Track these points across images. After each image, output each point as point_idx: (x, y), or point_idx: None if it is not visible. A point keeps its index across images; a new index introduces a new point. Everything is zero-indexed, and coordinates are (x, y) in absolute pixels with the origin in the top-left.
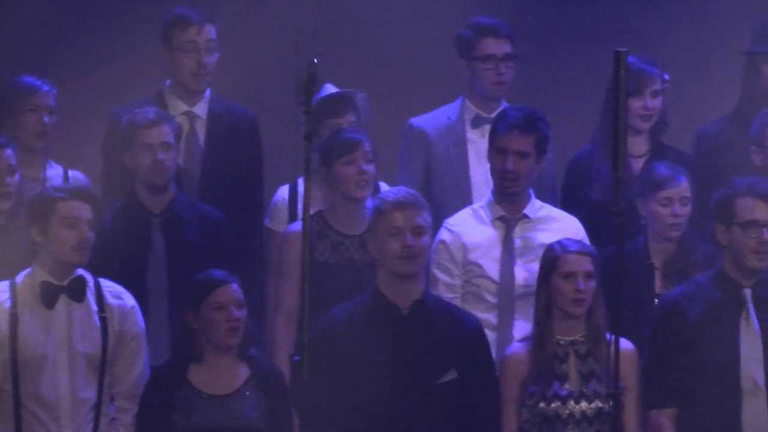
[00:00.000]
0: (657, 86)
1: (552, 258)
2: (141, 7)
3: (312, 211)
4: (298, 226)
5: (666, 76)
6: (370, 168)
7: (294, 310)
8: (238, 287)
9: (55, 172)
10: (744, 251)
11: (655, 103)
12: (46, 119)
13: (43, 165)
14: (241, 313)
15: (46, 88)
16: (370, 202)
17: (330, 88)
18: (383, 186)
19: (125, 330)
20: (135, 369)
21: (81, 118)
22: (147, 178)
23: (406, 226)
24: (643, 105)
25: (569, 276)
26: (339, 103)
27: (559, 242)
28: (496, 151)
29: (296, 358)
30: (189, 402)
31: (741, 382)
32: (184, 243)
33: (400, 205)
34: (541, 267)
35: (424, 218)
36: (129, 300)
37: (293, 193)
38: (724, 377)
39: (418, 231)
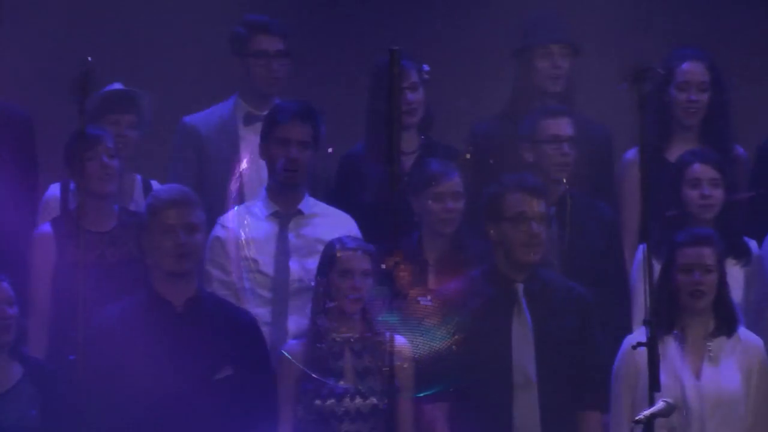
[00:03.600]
0: (414, 78)
1: (331, 255)
2: None
3: None
4: (45, 228)
5: (426, 68)
6: (113, 163)
7: (45, 312)
8: (9, 285)
9: None
10: (515, 245)
11: (417, 96)
12: None
13: None
14: (12, 311)
15: None
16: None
17: (117, 87)
18: (155, 185)
19: None
20: None
21: None
22: None
23: (179, 223)
24: (404, 99)
25: (347, 273)
26: (116, 101)
27: (339, 239)
28: (275, 143)
29: (71, 357)
30: None
31: (513, 376)
32: None
33: (173, 202)
34: (320, 263)
35: (198, 216)
36: None
37: (65, 190)
38: (497, 372)
39: (191, 228)
